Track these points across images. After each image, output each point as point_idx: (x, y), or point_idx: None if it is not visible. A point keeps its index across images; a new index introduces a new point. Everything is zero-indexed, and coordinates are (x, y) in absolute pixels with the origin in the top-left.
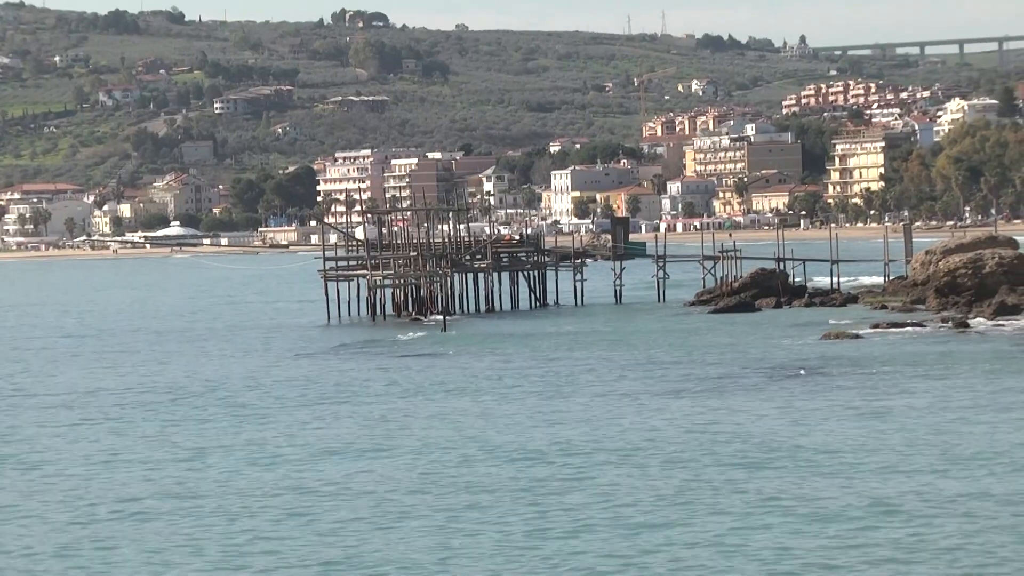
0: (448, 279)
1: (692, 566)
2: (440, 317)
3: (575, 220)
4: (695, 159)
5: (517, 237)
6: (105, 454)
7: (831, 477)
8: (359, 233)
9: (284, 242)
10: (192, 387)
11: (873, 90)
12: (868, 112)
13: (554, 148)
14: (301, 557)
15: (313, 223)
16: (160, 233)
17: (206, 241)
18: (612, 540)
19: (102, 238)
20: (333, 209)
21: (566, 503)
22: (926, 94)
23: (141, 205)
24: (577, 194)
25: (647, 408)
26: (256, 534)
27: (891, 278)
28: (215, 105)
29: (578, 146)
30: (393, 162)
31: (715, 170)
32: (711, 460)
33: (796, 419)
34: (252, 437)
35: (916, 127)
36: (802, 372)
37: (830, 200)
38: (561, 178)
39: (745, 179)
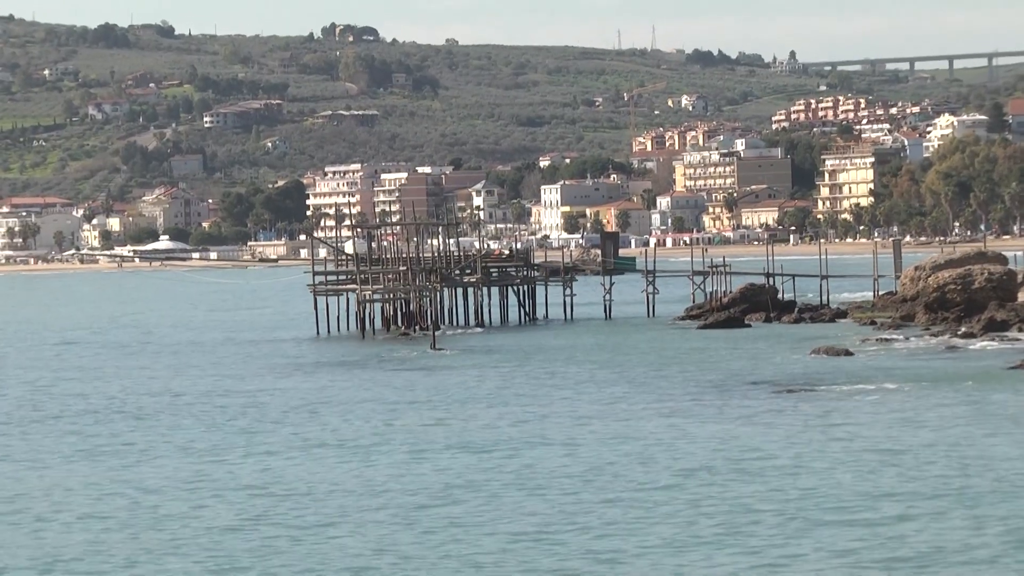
0: (438, 294)
1: None
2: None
3: (565, 235)
4: (685, 174)
5: (507, 252)
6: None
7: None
8: (349, 247)
9: (273, 256)
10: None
11: (863, 105)
12: (858, 127)
13: (544, 162)
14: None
15: (303, 237)
16: (149, 247)
17: (195, 255)
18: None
19: (91, 252)
20: (323, 223)
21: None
22: (915, 109)
23: (130, 219)
24: (567, 209)
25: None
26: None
27: (880, 293)
28: (205, 119)
29: (568, 161)
30: (383, 176)
31: (705, 185)
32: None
33: (779, 436)
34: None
35: (905, 142)
36: (788, 390)
37: (819, 215)
38: (551, 192)
39: (735, 194)
